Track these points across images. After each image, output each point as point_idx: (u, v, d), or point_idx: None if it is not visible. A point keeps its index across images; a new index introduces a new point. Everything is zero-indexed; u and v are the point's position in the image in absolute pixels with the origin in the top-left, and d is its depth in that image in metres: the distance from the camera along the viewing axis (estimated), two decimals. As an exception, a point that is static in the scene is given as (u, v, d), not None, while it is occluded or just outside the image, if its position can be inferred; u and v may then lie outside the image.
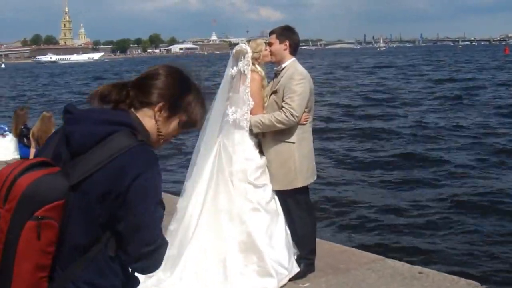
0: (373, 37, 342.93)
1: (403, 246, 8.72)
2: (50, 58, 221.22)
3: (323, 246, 6.17)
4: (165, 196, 8.50)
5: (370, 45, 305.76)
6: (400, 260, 6.20)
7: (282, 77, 5.42)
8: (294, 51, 5.57)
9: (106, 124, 2.06)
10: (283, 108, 5.28)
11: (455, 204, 10.94)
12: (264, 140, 5.50)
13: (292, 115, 5.23)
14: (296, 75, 5.34)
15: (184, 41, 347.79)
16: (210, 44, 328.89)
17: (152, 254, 2.07)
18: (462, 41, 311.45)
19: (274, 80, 5.55)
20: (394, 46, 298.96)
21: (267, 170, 5.44)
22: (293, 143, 5.42)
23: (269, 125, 5.33)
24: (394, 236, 9.29)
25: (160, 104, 2.21)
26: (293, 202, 5.47)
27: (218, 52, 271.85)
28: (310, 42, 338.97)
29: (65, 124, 2.11)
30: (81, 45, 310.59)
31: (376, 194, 12.10)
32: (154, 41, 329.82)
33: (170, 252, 5.13)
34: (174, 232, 5.35)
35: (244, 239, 5.22)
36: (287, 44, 5.48)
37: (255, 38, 5.60)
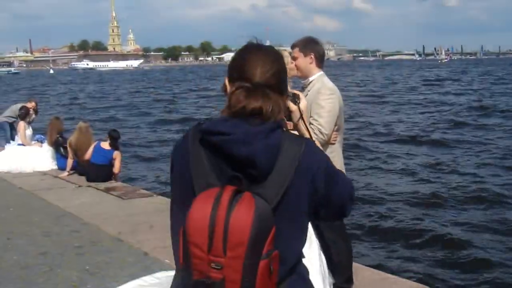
0: (435, 49, 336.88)
1: (444, 274, 8.26)
2: (87, 64, 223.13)
3: (362, 273, 5.84)
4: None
5: (432, 57, 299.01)
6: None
7: (309, 91, 5.06)
8: (320, 63, 5.20)
9: (270, 133, 1.99)
10: (310, 125, 4.90)
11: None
12: None
13: (320, 132, 4.84)
14: (324, 90, 4.96)
15: (237, 49, 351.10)
16: None
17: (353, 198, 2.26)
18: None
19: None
20: (455, 58, 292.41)
21: None
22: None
23: None
24: (434, 263, 8.80)
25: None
26: (326, 226, 5.04)
27: None
28: (370, 53, 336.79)
29: (227, 145, 1.95)
30: (130, 51, 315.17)
31: (420, 212, 11.58)
32: (206, 48, 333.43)
33: None
34: None
35: None
36: (313, 56, 5.11)
37: (282, 49, 5.22)
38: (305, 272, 2.13)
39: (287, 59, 5.14)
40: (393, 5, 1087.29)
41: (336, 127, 5.01)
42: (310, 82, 5.11)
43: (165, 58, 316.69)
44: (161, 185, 14.54)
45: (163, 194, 11.01)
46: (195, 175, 1.99)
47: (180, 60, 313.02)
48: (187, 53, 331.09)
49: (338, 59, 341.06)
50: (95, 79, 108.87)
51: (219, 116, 2.08)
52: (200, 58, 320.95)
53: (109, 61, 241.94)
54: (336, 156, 5.13)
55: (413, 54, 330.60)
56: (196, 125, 2.09)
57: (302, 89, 5.19)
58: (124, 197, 9.69)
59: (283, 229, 1.90)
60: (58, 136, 12.63)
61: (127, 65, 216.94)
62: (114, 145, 11.40)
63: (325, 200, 2.10)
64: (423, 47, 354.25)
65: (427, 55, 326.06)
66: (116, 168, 11.40)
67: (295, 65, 5.12)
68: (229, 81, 2.14)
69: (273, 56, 2.16)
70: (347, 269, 5.24)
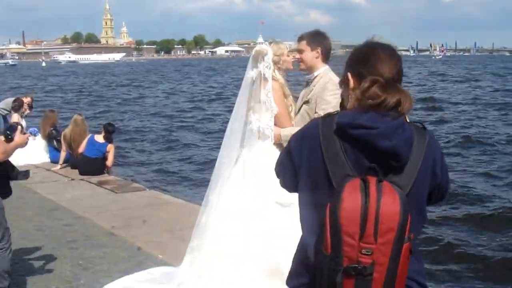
0: (431, 45, 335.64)
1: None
2: (69, 57, 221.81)
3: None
4: (197, 209, 8.25)
5: (427, 53, 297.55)
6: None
7: (314, 86, 4.98)
8: (326, 58, 5.12)
9: (405, 126, 2.12)
10: None
11: None
12: None
13: None
14: (330, 85, 4.86)
15: (230, 43, 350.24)
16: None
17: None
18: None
19: (306, 89, 5.11)
20: (449, 54, 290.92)
21: None
22: None
23: None
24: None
25: None
26: None
27: None
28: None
29: (371, 139, 2.07)
30: (123, 44, 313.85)
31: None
32: (199, 42, 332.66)
33: (192, 267, 5.06)
34: (196, 248, 5.09)
35: (268, 259, 4.79)
36: (319, 51, 5.03)
37: (278, 41, 5.18)
38: (417, 251, 2.24)
39: (284, 50, 5.11)
40: (387, 0, 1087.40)
41: None
42: (315, 77, 5.03)
43: (158, 51, 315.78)
44: (153, 179, 14.53)
45: (155, 188, 11.03)
46: (331, 166, 2.12)
47: (172, 53, 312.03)
48: (180, 46, 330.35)
49: (332, 54, 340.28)
50: (57, 72, 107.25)
51: (348, 110, 2.22)
52: (193, 52, 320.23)
53: (101, 53, 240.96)
54: None
55: (407, 50, 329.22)
56: (326, 118, 2.22)
57: (307, 83, 5.14)
58: (117, 191, 9.66)
59: (412, 214, 1.99)
60: (52, 129, 12.58)
61: (109, 58, 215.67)
62: (108, 138, 11.38)
63: (438, 186, 2.28)
64: (417, 43, 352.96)
65: (421, 51, 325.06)
66: (109, 161, 11.38)
67: (301, 58, 5.07)
68: (355, 76, 2.25)
69: (397, 54, 2.29)
70: None
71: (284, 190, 4.76)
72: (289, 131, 4.83)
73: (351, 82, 2.26)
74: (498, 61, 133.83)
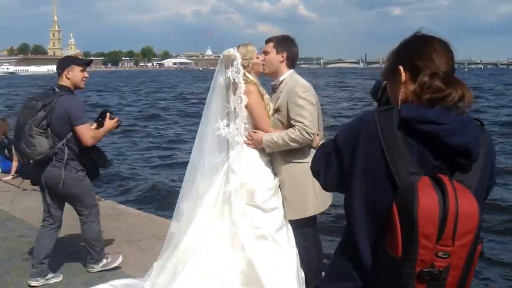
0: (383, 59, 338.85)
1: None
2: (7, 69, 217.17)
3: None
4: (155, 219, 7.97)
5: (376, 65, 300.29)
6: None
7: (281, 92, 4.89)
8: (291, 64, 5.04)
9: (473, 121, 2.03)
10: (296, 127, 4.75)
11: None
12: (274, 162, 4.96)
13: (307, 132, 4.68)
14: (298, 88, 4.78)
15: (178, 55, 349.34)
16: (205, 59, 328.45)
17: None
18: (468, 64, 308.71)
19: (273, 96, 5.02)
20: None
21: (279, 193, 4.87)
22: (307, 162, 4.87)
23: (282, 144, 4.73)
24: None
25: None
26: (298, 233, 4.89)
27: (213, 68, 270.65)
28: (314, 60, 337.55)
29: (442, 135, 1.93)
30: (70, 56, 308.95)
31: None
32: (147, 54, 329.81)
33: (162, 277, 4.85)
34: (168, 258, 4.89)
35: (246, 270, 4.63)
36: (285, 56, 4.96)
37: (246, 43, 5.08)
38: None
39: (253, 54, 4.99)
40: (337, 13, 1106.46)
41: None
42: (281, 82, 4.95)
43: (105, 63, 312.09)
44: (108, 189, 14.29)
45: (110, 198, 10.83)
46: (395, 164, 1.96)
47: (120, 65, 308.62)
48: (127, 58, 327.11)
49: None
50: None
51: (410, 104, 2.05)
52: (140, 64, 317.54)
53: (48, 64, 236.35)
54: None
55: (356, 62, 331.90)
56: (381, 112, 2.07)
57: (273, 90, 5.06)
58: (71, 202, 9.33)
59: None
60: (3, 137, 12.19)
61: (48, 70, 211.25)
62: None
63: (491, 182, 2.17)
64: (365, 56, 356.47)
65: (369, 63, 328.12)
66: (64, 171, 10.95)
67: (265, 59, 4.98)
68: (408, 69, 2.10)
69: (450, 47, 2.14)
70: (316, 278, 5.01)
71: (266, 196, 4.68)
72: (270, 136, 4.77)
73: (403, 76, 2.11)
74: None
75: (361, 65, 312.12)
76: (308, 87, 4.86)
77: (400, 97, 2.11)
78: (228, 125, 4.86)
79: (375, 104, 2.39)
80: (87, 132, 5.46)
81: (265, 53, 4.99)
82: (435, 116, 1.93)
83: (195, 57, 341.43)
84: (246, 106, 4.82)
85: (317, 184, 4.80)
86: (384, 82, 2.33)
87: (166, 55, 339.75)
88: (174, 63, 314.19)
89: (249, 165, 4.88)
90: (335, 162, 2.20)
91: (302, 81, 4.92)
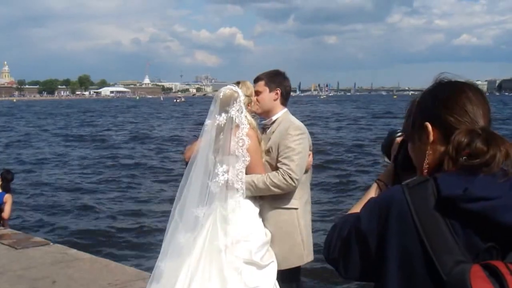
0: (319, 85, 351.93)
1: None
2: None
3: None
4: (110, 265, 7.48)
5: (308, 93, 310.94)
6: None
7: (273, 132, 4.54)
8: (285, 100, 4.73)
9: None
10: (280, 170, 4.35)
11: None
12: (261, 208, 4.51)
13: (291, 178, 4.31)
14: (292, 130, 4.44)
15: (116, 84, 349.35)
16: (142, 87, 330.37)
17: None
18: (397, 90, 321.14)
19: (263, 136, 4.61)
20: (331, 94, 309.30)
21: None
22: (296, 209, 4.51)
23: (263, 188, 4.34)
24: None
25: None
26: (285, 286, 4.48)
27: (150, 96, 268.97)
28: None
29: (493, 213, 1.55)
30: (4, 84, 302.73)
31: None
32: (84, 82, 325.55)
33: None
34: None
35: None
36: (279, 92, 4.64)
37: (243, 81, 4.67)
38: None
39: (252, 90, 4.61)
40: (274, 42, 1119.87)
41: (306, 168, 4.57)
42: (274, 122, 4.60)
43: (40, 92, 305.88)
44: (56, 230, 13.53)
45: (60, 243, 10.04)
46: (436, 252, 1.56)
47: (56, 94, 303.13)
48: (64, 86, 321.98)
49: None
50: None
51: (446, 172, 1.66)
52: (77, 92, 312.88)
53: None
54: (308, 198, 4.72)
55: (293, 90, 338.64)
56: (412, 187, 1.67)
57: (263, 129, 4.67)
58: (17, 247, 8.61)
59: None
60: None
61: None
62: (6, 188, 10.36)
63: None
64: (299, 83, 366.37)
65: (303, 91, 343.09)
66: (6, 213, 10.27)
67: (258, 100, 4.60)
68: (437, 125, 1.73)
69: (484, 95, 1.77)
70: None
71: (263, 251, 4.25)
72: (251, 178, 4.35)
73: (431, 135, 1.73)
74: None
75: (298, 92, 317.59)
76: (302, 129, 4.53)
77: (426, 160, 1.75)
78: (227, 171, 4.35)
79: (385, 159, 2.15)
80: None
81: (257, 93, 4.63)
82: (483, 192, 1.57)
83: (132, 85, 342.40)
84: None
85: (305, 231, 4.47)
86: (398, 133, 2.06)
87: (104, 83, 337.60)
88: (112, 92, 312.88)
89: (246, 216, 4.38)
90: (357, 250, 1.79)
91: (297, 122, 4.59)
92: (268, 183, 4.31)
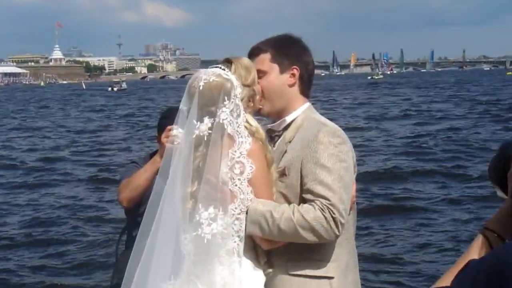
0: (373, 56, 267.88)
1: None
2: None
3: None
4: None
5: (348, 71, 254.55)
6: None
7: (289, 142, 2.72)
8: (307, 88, 2.87)
9: None
10: (316, 202, 2.51)
11: None
12: (270, 277, 2.67)
13: (334, 218, 2.46)
14: (325, 136, 2.61)
15: (3, 61, 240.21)
16: (50, 66, 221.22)
17: None
18: None
19: (273, 150, 2.78)
20: (394, 72, 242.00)
21: None
22: (331, 278, 2.66)
23: (285, 230, 2.50)
24: None
25: None
26: None
27: (65, 82, 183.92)
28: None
29: None
30: None
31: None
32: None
33: None
34: None
35: None
36: (296, 73, 2.79)
37: (237, 57, 2.71)
38: None
39: (255, 75, 2.73)
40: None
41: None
42: (290, 124, 2.79)
43: None
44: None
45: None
46: None
47: None
48: None
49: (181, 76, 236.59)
50: None
51: None
52: None
53: None
54: (353, 256, 2.84)
55: (323, 66, 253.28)
56: None
57: (271, 138, 2.83)
58: None
59: None
60: None
61: None
62: None
63: None
64: (334, 55, 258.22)
65: (343, 66, 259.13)
66: None
67: (261, 88, 2.76)
68: None
69: None
70: None
71: None
72: (265, 207, 2.55)
73: None
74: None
75: (332, 69, 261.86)
76: (342, 135, 2.69)
77: None
78: (215, 216, 2.51)
79: (498, 191, 1.69)
80: None
81: (259, 75, 2.74)
82: None
83: (32, 63, 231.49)
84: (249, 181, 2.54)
85: None
86: None
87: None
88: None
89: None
90: None
91: (330, 124, 2.75)
92: (295, 221, 2.48)
